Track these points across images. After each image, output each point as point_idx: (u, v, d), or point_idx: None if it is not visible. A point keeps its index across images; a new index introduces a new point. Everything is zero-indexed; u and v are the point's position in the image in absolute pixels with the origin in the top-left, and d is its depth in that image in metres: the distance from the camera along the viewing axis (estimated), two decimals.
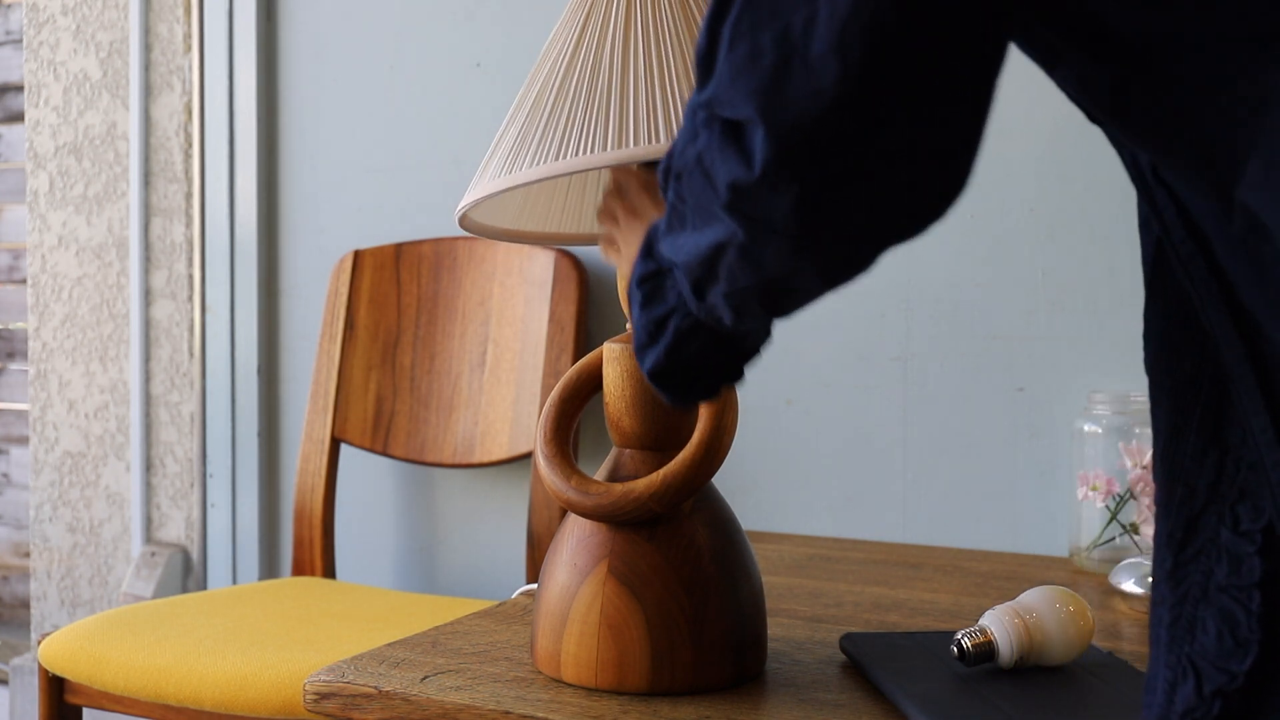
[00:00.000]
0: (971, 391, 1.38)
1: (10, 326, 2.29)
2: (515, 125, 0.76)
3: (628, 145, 0.70)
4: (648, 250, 0.58)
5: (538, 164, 0.72)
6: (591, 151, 0.70)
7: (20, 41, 2.15)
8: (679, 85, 0.72)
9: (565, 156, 0.71)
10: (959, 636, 0.78)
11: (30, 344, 2.02)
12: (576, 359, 1.44)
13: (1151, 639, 0.47)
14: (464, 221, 0.82)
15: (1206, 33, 0.42)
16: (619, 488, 0.77)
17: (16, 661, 1.99)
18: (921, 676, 0.77)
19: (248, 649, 1.21)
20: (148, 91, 1.90)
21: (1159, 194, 0.47)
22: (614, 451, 0.82)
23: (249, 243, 1.81)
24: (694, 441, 0.76)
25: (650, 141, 0.70)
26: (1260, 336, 0.44)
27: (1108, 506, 1.20)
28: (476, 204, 0.78)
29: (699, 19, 0.76)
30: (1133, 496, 1.19)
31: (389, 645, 0.87)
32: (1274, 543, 0.43)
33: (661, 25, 0.75)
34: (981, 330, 1.38)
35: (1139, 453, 1.19)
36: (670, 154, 0.51)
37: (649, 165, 0.72)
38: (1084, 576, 1.18)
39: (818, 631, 0.94)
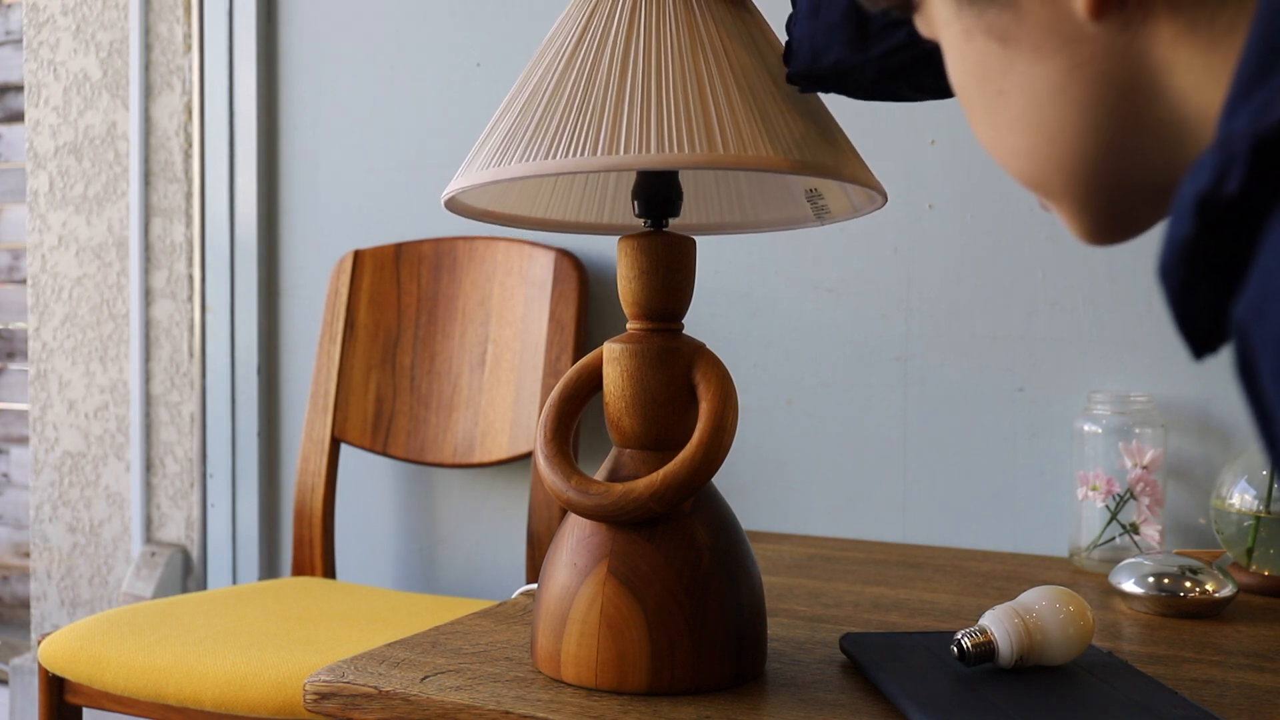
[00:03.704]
0: (971, 391, 1.38)
1: (10, 326, 2.29)
2: (509, 116, 0.77)
3: (618, 153, 0.70)
4: None
5: (527, 160, 0.72)
6: (581, 154, 0.71)
7: (20, 41, 2.15)
8: (674, 98, 0.72)
9: (555, 156, 0.71)
10: (959, 636, 0.78)
11: (30, 344, 2.02)
12: (576, 359, 1.44)
13: None
14: (450, 203, 0.83)
15: None
16: (619, 488, 0.77)
17: (16, 661, 1.99)
18: (921, 676, 0.77)
19: (248, 649, 1.21)
20: (148, 91, 1.90)
21: None
22: (614, 451, 0.82)
23: (249, 243, 1.81)
24: (694, 441, 0.76)
25: (641, 151, 0.70)
26: None
27: (1108, 506, 1.20)
28: (463, 191, 0.79)
29: (705, 33, 0.75)
30: (1133, 496, 1.19)
31: (389, 645, 0.87)
32: None
33: (665, 36, 0.75)
34: (981, 330, 1.38)
35: (1139, 453, 1.19)
36: None
37: None
38: (1084, 576, 1.18)
39: (818, 631, 0.94)
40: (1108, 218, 0.50)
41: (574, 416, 0.83)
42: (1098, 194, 0.48)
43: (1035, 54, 0.46)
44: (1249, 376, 0.35)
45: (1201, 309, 0.39)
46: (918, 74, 0.71)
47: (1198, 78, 0.42)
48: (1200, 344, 0.40)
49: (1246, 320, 0.35)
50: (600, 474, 0.81)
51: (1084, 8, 0.43)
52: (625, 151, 0.70)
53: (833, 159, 0.74)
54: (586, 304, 1.55)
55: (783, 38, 0.81)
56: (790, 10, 0.75)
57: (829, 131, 0.77)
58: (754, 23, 0.79)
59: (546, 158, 0.71)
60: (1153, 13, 0.43)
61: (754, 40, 0.77)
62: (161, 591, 1.84)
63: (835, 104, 0.93)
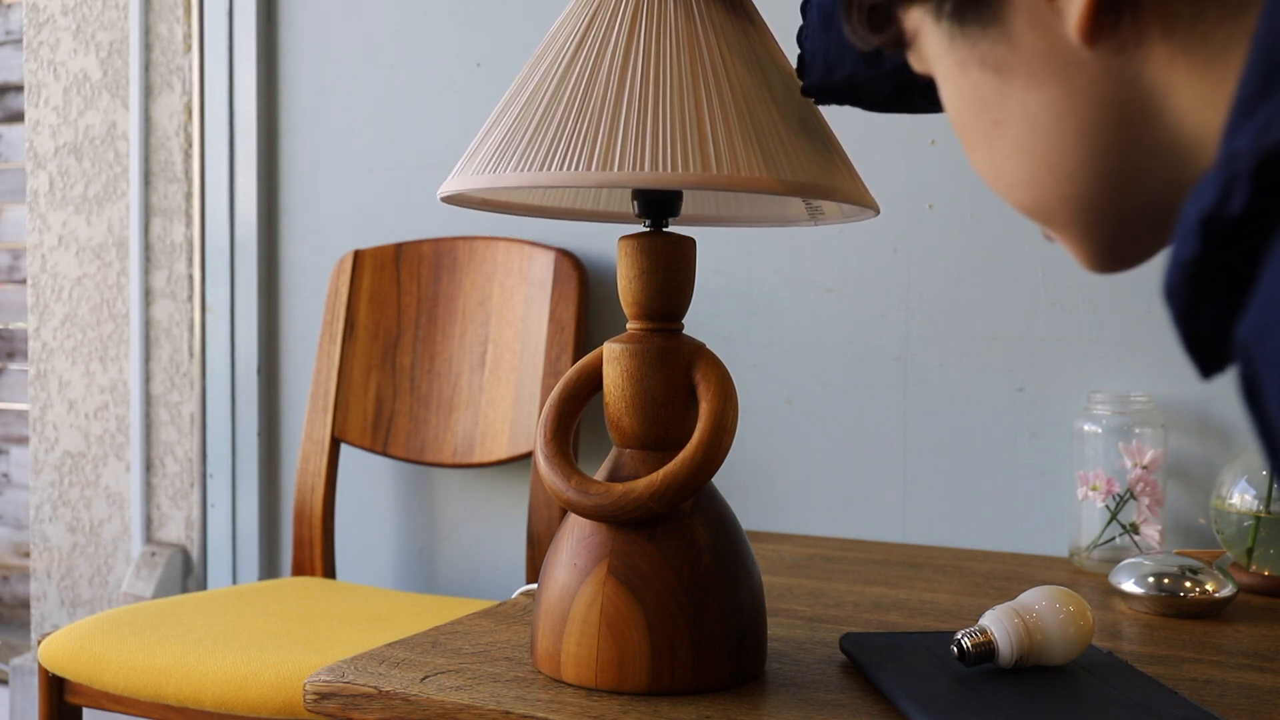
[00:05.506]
0: (971, 391, 1.38)
1: (10, 326, 2.29)
2: (507, 117, 0.77)
3: (612, 169, 0.71)
4: None
5: (522, 170, 0.73)
6: (576, 169, 0.71)
7: (20, 41, 2.15)
8: (671, 114, 0.72)
9: (549, 168, 0.72)
10: (959, 636, 0.78)
11: (30, 344, 2.02)
12: (576, 359, 1.44)
13: None
14: (445, 197, 0.83)
15: None
16: (619, 488, 0.77)
17: (16, 661, 1.99)
18: (921, 676, 0.77)
19: (248, 649, 1.21)
20: (148, 91, 1.90)
21: None
22: (614, 451, 0.82)
23: (249, 243, 1.81)
24: (694, 441, 0.76)
25: (635, 169, 0.71)
26: None
27: (1108, 506, 1.20)
28: (457, 195, 0.80)
29: (704, 46, 0.75)
30: (1133, 496, 1.19)
31: (389, 645, 0.87)
32: None
33: (664, 47, 0.75)
34: (981, 330, 1.38)
35: (1139, 453, 1.19)
36: None
37: None
38: (1084, 576, 1.18)
39: (818, 631, 0.94)
40: (1111, 244, 0.49)
41: (574, 416, 0.83)
42: (1101, 221, 0.48)
43: (1031, 83, 0.45)
44: (1253, 397, 0.35)
45: (1208, 328, 0.38)
46: (931, 87, 0.71)
47: (1195, 98, 0.42)
48: (1207, 363, 0.39)
49: (1250, 341, 0.34)
50: (600, 474, 0.81)
51: (1077, 34, 0.43)
52: (620, 168, 0.71)
53: (827, 178, 0.75)
54: (586, 304, 1.55)
55: (789, 48, 0.81)
56: (801, 22, 0.75)
57: (825, 149, 0.77)
58: (756, 34, 0.79)
59: (541, 169, 0.72)
60: (1147, 36, 0.42)
61: (754, 53, 0.77)
62: (161, 591, 1.84)
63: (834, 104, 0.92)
